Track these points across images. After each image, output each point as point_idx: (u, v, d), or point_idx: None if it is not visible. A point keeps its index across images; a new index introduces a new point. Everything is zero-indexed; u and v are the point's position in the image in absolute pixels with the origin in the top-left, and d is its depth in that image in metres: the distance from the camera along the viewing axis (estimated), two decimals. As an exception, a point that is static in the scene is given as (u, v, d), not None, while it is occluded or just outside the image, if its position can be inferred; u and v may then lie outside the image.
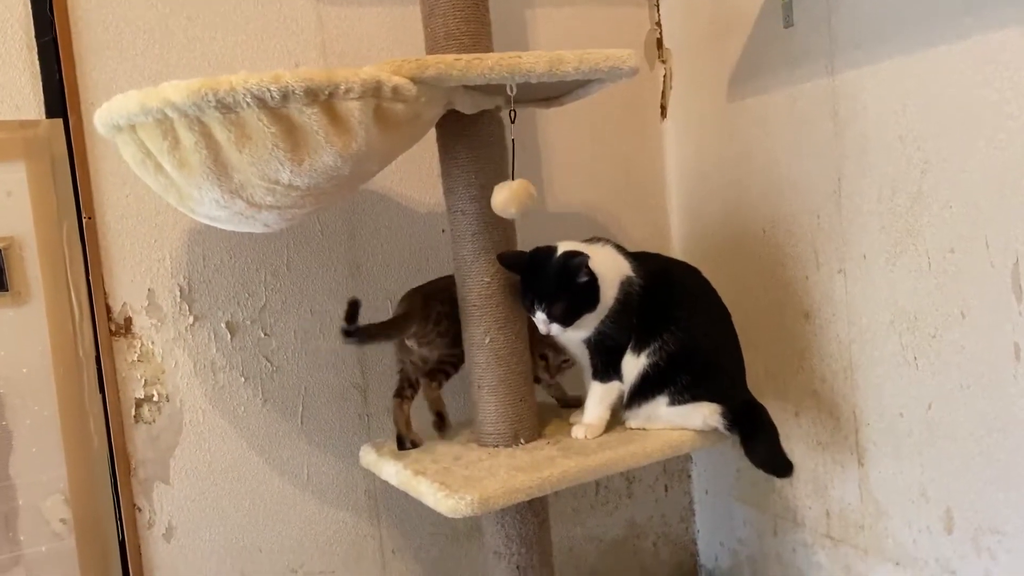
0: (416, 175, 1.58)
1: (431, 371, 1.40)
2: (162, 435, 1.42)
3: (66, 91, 1.33)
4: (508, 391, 1.35)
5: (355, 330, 1.32)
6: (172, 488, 1.43)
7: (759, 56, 1.57)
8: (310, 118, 1.03)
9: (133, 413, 1.39)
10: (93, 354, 1.36)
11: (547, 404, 1.53)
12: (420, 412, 1.61)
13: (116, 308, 1.38)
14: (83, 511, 1.37)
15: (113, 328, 1.38)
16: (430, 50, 1.30)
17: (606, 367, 1.35)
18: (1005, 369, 1.21)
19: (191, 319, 1.43)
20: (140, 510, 1.41)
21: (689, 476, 1.93)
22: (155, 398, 1.41)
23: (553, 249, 1.31)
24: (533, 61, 1.17)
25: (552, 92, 1.39)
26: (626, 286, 1.33)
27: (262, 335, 1.48)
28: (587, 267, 1.26)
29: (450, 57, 1.13)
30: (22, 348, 1.33)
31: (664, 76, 1.83)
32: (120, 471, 1.38)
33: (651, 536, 1.89)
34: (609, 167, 1.78)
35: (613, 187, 1.79)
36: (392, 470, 1.33)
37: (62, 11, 1.32)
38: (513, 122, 1.25)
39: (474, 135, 1.32)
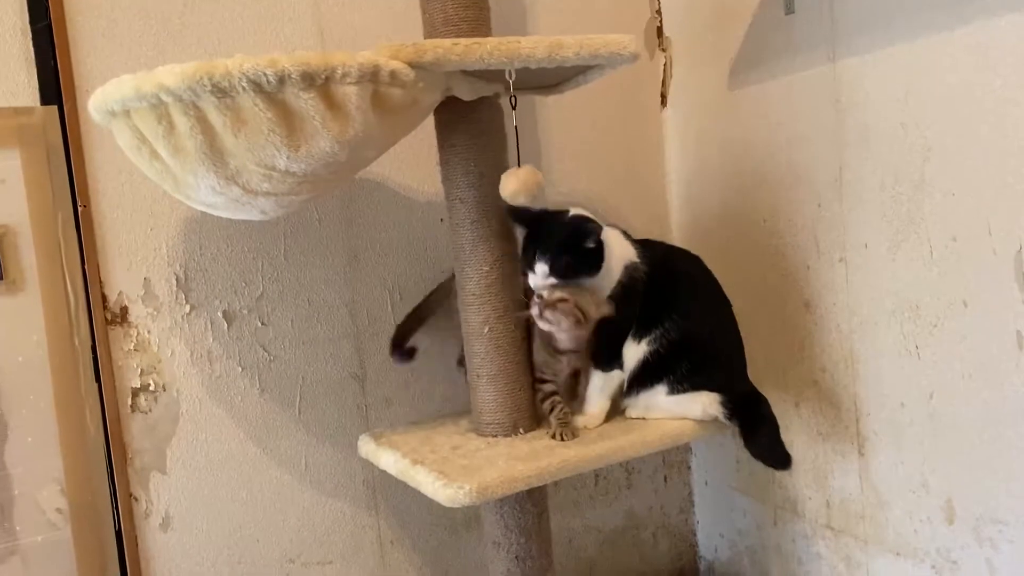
0: (415, 163, 1.57)
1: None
2: (159, 425, 1.41)
3: (61, 78, 1.32)
4: (507, 381, 1.35)
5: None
6: (169, 478, 1.42)
7: (760, 44, 1.56)
8: (306, 103, 1.02)
9: (129, 402, 1.39)
10: (89, 343, 1.35)
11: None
12: (421, 404, 1.60)
13: (112, 297, 1.37)
14: (79, 501, 1.36)
15: (109, 317, 1.37)
16: (428, 36, 1.29)
17: (608, 355, 1.34)
18: (1007, 358, 1.20)
19: (187, 308, 1.42)
20: (137, 500, 1.40)
21: (689, 467, 1.93)
22: (151, 387, 1.40)
23: (565, 211, 1.32)
24: (532, 46, 1.15)
25: (551, 79, 1.38)
26: (631, 271, 1.32)
27: (259, 324, 1.47)
28: (598, 234, 1.27)
29: (448, 42, 1.12)
30: (17, 337, 1.32)
31: (664, 64, 1.82)
32: (116, 461, 1.37)
33: (650, 527, 1.89)
34: (609, 156, 1.77)
35: (613, 176, 1.78)
36: (390, 459, 1.33)
37: (56, -3, 1.31)
38: (514, 108, 1.24)
39: (473, 122, 1.31)
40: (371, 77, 1.05)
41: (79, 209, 1.34)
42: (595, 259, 1.29)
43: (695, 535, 1.94)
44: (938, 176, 1.26)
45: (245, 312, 1.46)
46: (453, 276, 1.43)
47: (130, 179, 1.36)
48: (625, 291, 1.32)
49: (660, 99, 1.83)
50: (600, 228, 1.27)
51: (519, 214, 1.30)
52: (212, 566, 1.45)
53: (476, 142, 1.31)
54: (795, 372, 1.57)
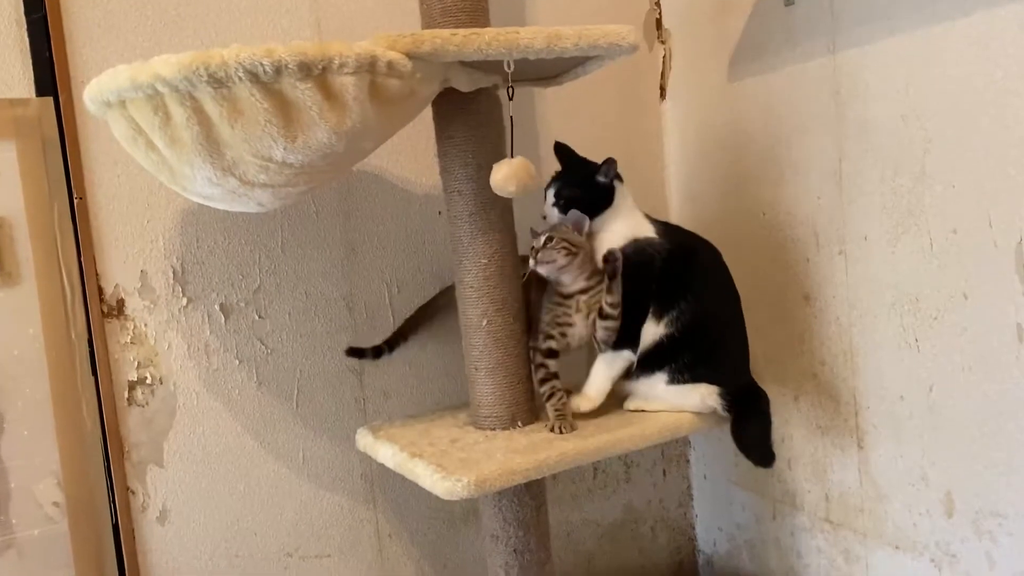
0: (412, 155, 1.56)
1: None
2: (156, 418, 1.40)
3: (56, 69, 1.31)
4: (506, 374, 1.34)
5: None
6: (166, 471, 1.41)
7: (760, 35, 1.55)
8: (303, 93, 1.01)
9: (126, 395, 1.38)
10: (85, 336, 1.35)
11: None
12: (415, 398, 1.60)
13: (108, 290, 1.36)
14: (76, 494, 1.35)
15: (105, 310, 1.36)
16: (426, 26, 1.28)
17: (621, 333, 1.33)
18: (1007, 351, 1.20)
19: (184, 301, 1.41)
20: (134, 493, 1.40)
21: (687, 460, 1.92)
22: (148, 380, 1.39)
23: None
24: (531, 36, 1.15)
25: (550, 70, 1.37)
26: (643, 244, 1.33)
27: (256, 317, 1.46)
28: (612, 173, 1.34)
29: (446, 32, 1.11)
30: (13, 330, 1.31)
31: (663, 56, 1.81)
32: (113, 454, 1.37)
33: (649, 521, 1.88)
34: (608, 148, 1.74)
35: (612, 169, 1.77)
36: (388, 452, 1.32)
37: (52, -13, 1.30)
38: (511, 99, 1.24)
39: (471, 114, 1.30)
40: (368, 67, 1.04)
41: (75, 201, 1.33)
42: (601, 197, 1.34)
43: (694, 529, 1.94)
44: (938, 168, 1.26)
45: (242, 305, 1.45)
46: (445, 289, 1.49)
47: (126, 171, 1.36)
48: (633, 264, 1.31)
49: (659, 91, 1.82)
50: (615, 171, 1.35)
51: (562, 150, 1.41)
52: (210, 559, 1.45)
53: (474, 134, 1.30)
54: (794, 365, 1.57)
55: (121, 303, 1.37)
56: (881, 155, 1.34)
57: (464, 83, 1.23)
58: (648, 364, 1.34)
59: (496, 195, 1.30)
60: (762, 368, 1.61)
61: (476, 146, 1.30)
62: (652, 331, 1.33)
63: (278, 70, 0.98)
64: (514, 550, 1.33)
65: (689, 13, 1.73)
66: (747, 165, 1.61)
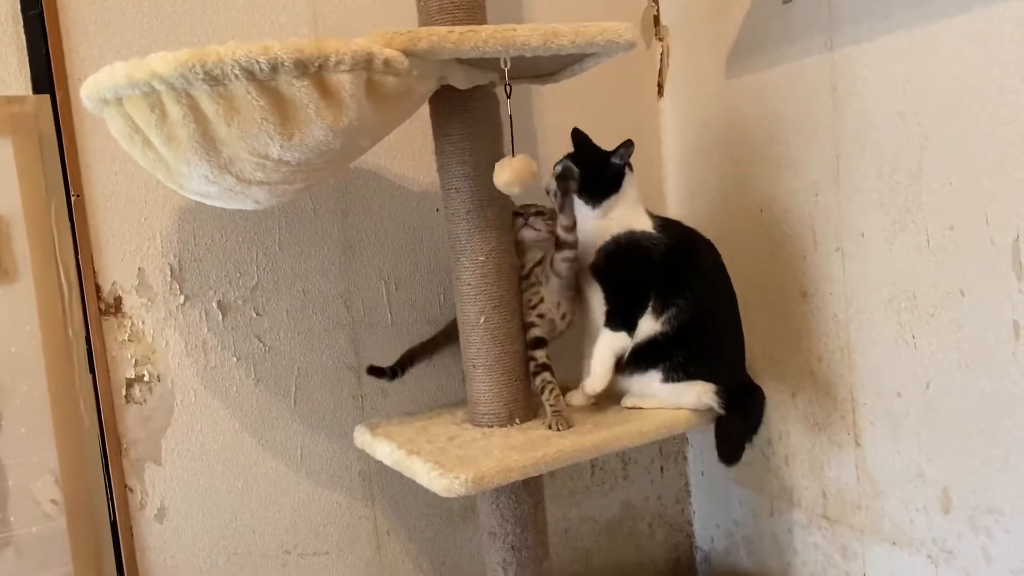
0: (410, 152, 1.56)
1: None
2: (153, 415, 1.40)
3: (53, 66, 1.30)
4: (503, 371, 1.34)
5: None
6: (164, 469, 1.41)
7: (757, 32, 1.55)
8: (300, 91, 1.01)
9: (124, 393, 1.38)
10: (83, 333, 1.35)
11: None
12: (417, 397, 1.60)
13: (106, 287, 1.36)
14: (74, 492, 1.35)
15: (103, 307, 1.36)
16: (423, 24, 1.28)
17: (619, 313, 1.33)
18: (1004, 348, 1.20)
19: (182, 298, 1.41)
20: (132, 491, 1.40)
21: (685, 457, 1.93)
22: (146, 378, 1.39)
23: None
24: (528, 34, 1.15)
25: (547, 68, 1.37)
26: (640, 237, 1.34)
27: (254, 315, 1.46)
28: (626, 158, 1.35)
29: (443, 29, 1.11)
30: (11, 327, 1.31)
31: (661, 54, 1.81)
32: (111, 452, 1.37)
33: (647, 517, 1.89)
34: (606, 145, 1.76)
35: (609, 166, 1.77)
36: (386, 450, 1.32)
37: (48, -16, 1.30)
38: (509, 96, 1.24)
39: (468, 111, 1.30)
40: (365, 65, 1.04)
41: (72, 198, 1.33)
42: (611, 180, 1.34)
43: (691, 525, 1.94)
44: (936, 165, 1.26)
45: (240, 302, 1.45)
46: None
47: (123, 168, 1.36)
48: (620, 248, 1.33)
49: (657, 88, 1.82)
50: (630, 155, 1.35)
51: (579, 137, 1.40)
52: (208, 557, 1.45)
53: (471, 131, 1.30)
54: (792, 362, 1.57)
55: (118, 300, 1.37)
56: (878, 152, 1.34)
57: (461, 80, 1.23)
58: (642, 361, 1.34)
59: (493, 192, 1.29)
60: (759, 365, 1.61)
61: (473, 143, 1.30)
62: (648, 327, 1.33)
63: (274, 67, 0.98)
64: (512, 547, 1.33)
65: (687, 10, 1.73)
66: (745, 162, 1.61)
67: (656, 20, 1.80)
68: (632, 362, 1.34)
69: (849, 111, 1.38)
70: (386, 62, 1.06)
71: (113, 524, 1.38)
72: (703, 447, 1.88)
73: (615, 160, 1.35)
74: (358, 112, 1.06)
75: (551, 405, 1.32)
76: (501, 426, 1.35)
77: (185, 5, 1.39)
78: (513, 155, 1.23)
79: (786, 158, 1.51)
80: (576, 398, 1.38)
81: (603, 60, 1.31)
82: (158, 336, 1.40)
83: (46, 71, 1.30)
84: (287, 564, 1.51)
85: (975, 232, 1.21)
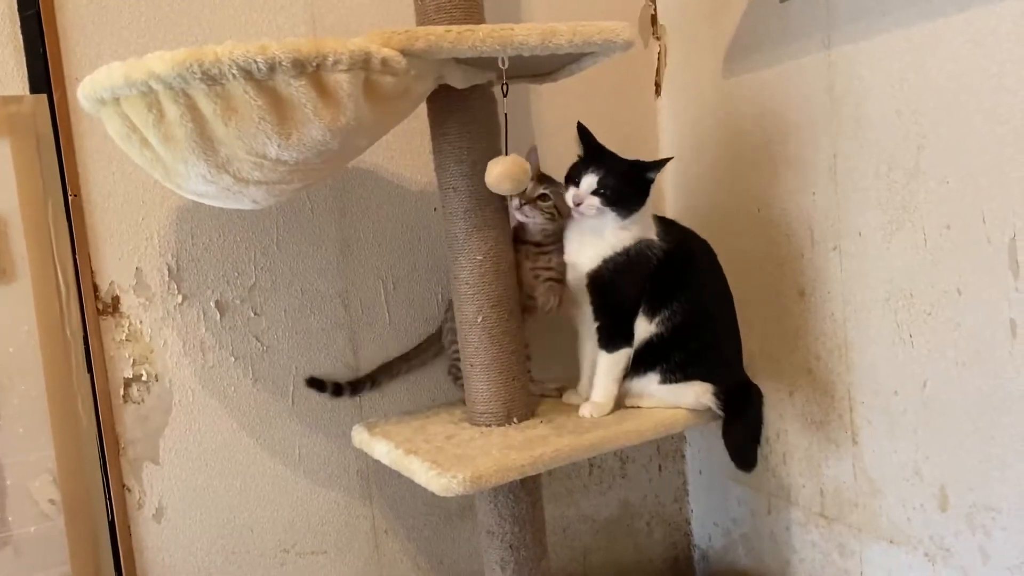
0: (407, 151, 1.56)
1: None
2: (151, 415, 1.40)
3: (50, 66, 1.30)
4: (501, 370, 1.34)
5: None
6: (162, 468, 1.41)
7: (755, 31, 1.55)
8: (297, 91, 1.01)
9: (122, 393, 1.38)
10: (80, 333, 1.35)
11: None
12: (417, 395, 1.60)
13: (103, 287, 1.36)
14: (72, 491, 1.35)
15: (100, 307, 1.36)
16: (421, 23, 1.28)
17: (612, 332, 1.33)
18: (1001, 346, 1.20)
19: (180, 298, 1.41)
20: (129, 490, 1.40)
21: (683, 456, 1.93)
22: (144, 378, 1.39)
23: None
24: (526, 33, 1.15)
25: (545, 67, 1.37)
26: (644, 245, 1.32)
27: (252, 314, 1.46)
28: (656, 174, 1.31)
29: (441, 28, 1.11)
30: (8, 327, 1.31)
31: (659, 53, 1.81)
32: (109, 451, 1.37)
33: (645, 516, 1.89)
34: (604, 144, 1.76)
35: (607, 165, 1.77)
36: (384, 449, 1.32)
37: (45, -17, 1.30)
38: (505, 96, 1.24)
39: (466, 110, 1.30)
40: (363, 64, 1.04)
41: (70, 198, 1.33)
42: (641, 196, 1.31)
43: (689, 524, 1.94)
44: (932, 164, 1.26)
45: (238, 302, 1.45)
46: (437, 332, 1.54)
47: (121, 168, 1.36)
48: (631, 263, 1.31)
49: (655, 87, 1.82)
50: (662, 167, 1.32)
51: (586, 133, 1.35)
52: (206, 556, 1.45)
53: (469, 130, 1.30)
54: (790, 361, 1.57)
55: (116, 300, 1.37)
56: (875, 151, 1.34)
57: (459, 80, 1.23)
58: (640, 363, 1.34)
59: (491, 192, 1.30)
60: (757, 363, 1.61)
61: (471, 143, 1.30)
62: (643, 329, 1.33)
63: (272, 67, 0.98)
64: (510, 546, 1.33)
65: (684, 9, 1.73)
66: (742, 161, 1.62)
67: (654, 19, 1.80)
68: (631, 364, 1.34)
69: (846, 110, 1.38)
70: (384, 62, 1.06)
71: (111, 524, 1.38)
72: (701, 446, 1.88)
73: (650, 175, 1.31)
74: (356, 111, 1.06)
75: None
76: (499, 425, 1.35)
77: (182, 5, 1.39)
78: (506, 154, 1.24)
79: (783, 157, 1.52)
80: (584, 409, 1.37)
81: (601, 59, 1.31)
82: (156, 336, 1.40)
83: (43, 71, 1.30)
84: (285, 563, 1.51)
85: (972, 231, 1.22)
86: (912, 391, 1.35)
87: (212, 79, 0.98)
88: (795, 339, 1.55)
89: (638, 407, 1.38)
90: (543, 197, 1.34)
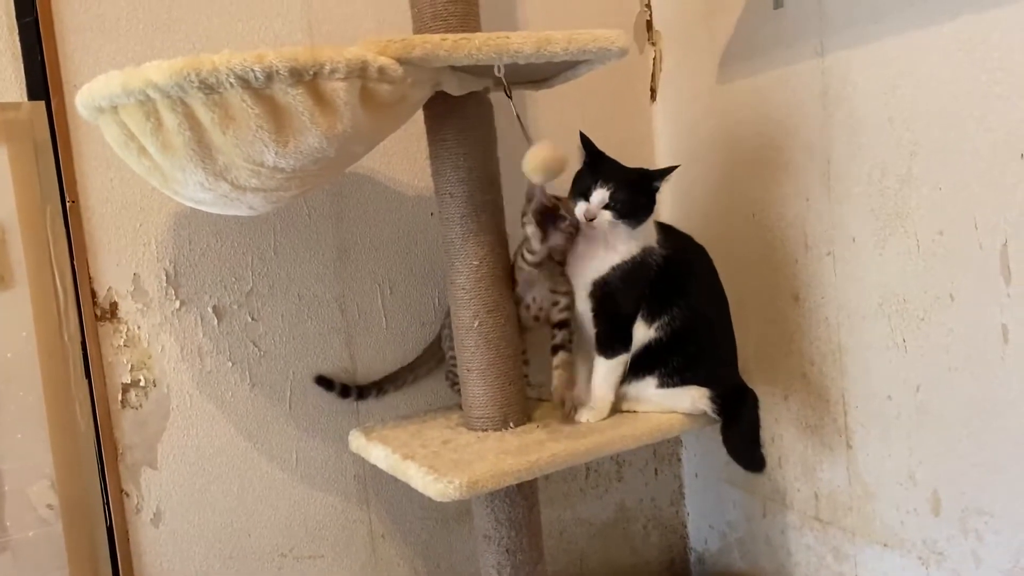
0: (404, 157, 1.57)
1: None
2: (149, 420, 1.41)
3: (48, 73, 1.31)
4: (497, 375, 1.35)
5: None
6: (160, 473, 1.42)
7: (749, 37, 1.56)
8: (294, 99, 1.01)
9: (120, 398, 1.39)
10: (79, 339, 1.35)
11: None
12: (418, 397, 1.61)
13: (101, 293, 1.37)
14: (70, 496, 1.36)
15: (98, 313, 1.37)
16: (417, 31, 1.29)
17: (611, 338, 1.34)
18: (993, 351, 1.21)
19: (177, 304, 1.42)
20: (128, 495, 1.40)
21: (679, 459, 1.94)
22: (142, 383, 1.40)
23: None
24: (521, 41, 1.15)
25: (540, 74, 1.38)
26: (648, 253, 1.32)
27: (249, 320, 1.47)
28: (662, 182, 1.31)
29: (437, 37, 1.12)
30: (6, 333, 1.31)
31: (654, 58, 1.82)
32: (107, 456, 1.37)
33: (641, 519, 1.90)
34: (605, 152, 1.77)
35: (603, 170, 1.77)
36: (381, 454, 1.33)
37: (44, -9, 1.30)
38: (510, 97, 1.25)
39: (462, 117, 1.31)
40: (359, 73, 1.05)
41: (67, 205, 1.33)
42: (649, 204, 1.31)
43: (685, 527, 1.95)
44: (925, 170, 1.27)
45: (235, 307, 1.46)
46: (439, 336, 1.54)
47: (119, 174, 1.36)
48: (636, 270, 1.31)
49: (650, 93, 1.83)
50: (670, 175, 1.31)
51: (588, 141, 1.35)
52: (204, 560, 1.46)
53: (466, 137, 1.31)
54: (784, 365, 1.58)
55: (114, 306, 1.38)
56: (868, 157, 1.35)
57: (455, 87, 1.24)
58: (637, 368, 1.35)
59: (487, 197, 1.31)
60: (752, 368, 1.62)
61: (467, 149, 1.31)
62: (642, 334, 1.34)
63: (269, 76, 0.99)
64: (506, 550, 1.34)
65: (679, 15, 1.74)
66: (737, 166, 1.62)
67: (649, 25, 1.81)
68: (628, 369, 1.35)
69: (840, 116, 1.39)
70: (380, 70, 1.07)
71: (109, 529, 1.39)
72: (697, 449, 1.89)
73: (656, 184, 1.31)
74: (352, 119, 1.07)
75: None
76: (495, 430, 1.35)
77: (180, 12, 1.39)
78: (530, 143, 1.24)
79: (778, 162, 1.52)
80: (581, 415, 1.37)
81: (596, 66, 1.32)
82: (154, 341, 1.40)
83: (41, 78, 1.31)
84: (282, 567, 1.52)
85: (964, 237, 1.23)
86: (905, 396, 1.35)
87: (209, 88, 0.99)
88: (789, 344, 1.56)
89: (634, 411, 1.38)
90: (561, 219, 1.30)
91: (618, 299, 1.32)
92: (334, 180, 1.51)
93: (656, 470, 1.91)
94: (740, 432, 1.38)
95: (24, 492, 1.34)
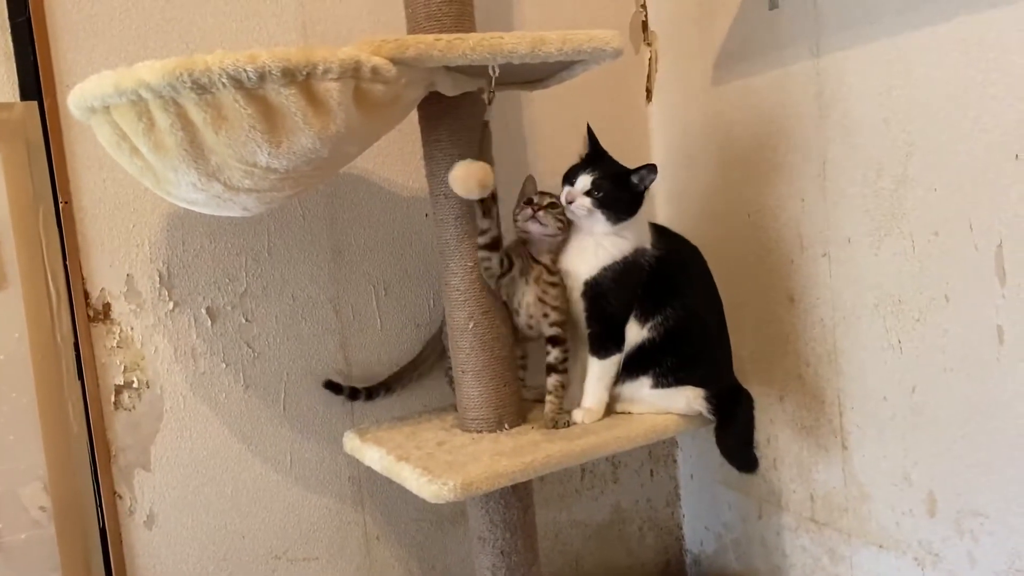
0: (399, 158, 1.57)
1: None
2: (142, 421, 1.40)
3: (41, 73, 1.30)
4: (492, 376, 1.35)
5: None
6: (153, 475, 1.41)
7: (744, 38, 1.56)
8: (287, 99, 1.01)
9: (113, 399, 1.38)
10: (71, 340, 1.35)
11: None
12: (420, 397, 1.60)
13: (94, 294, 1.36)
14: (63, 498, 1.35)
15: (91, 314, 1.36)
16: (412, 31, 1.28)
17: (604, 339, 1.33)
18: (988, 352, 1.21)
19: (171, 305, 1.41)
20: (121, 497, 1.39)
21: (675, 460, 1.93)
22: (135, 384, 1.39)
23: None
24: (515, 42, 1.15)
25: (535, 74, 1.38)
26: (639, 254, 1.32)
27: (243, 321, 1.46)
28: (648, 183, 1.31)
29: (430, 37, 1.11)
30: (-1, 334, 1.31)
31: (649, 59, 1.82)
32: (100, 458, 1.37)
33: (637, 521, 1.89)
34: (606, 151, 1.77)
35: (598, 171, 1.77)
36: (375, 455, 1.33)
37: (36, -10, 1.30)
38: (490, 104, 1.25)
39: (457, 117, 1.30)
40: (353, 73, 1.04)
41: (60, 205, 1.33)
42: (633, 203, 1.31)
43: (681, 528, 1.95)
44: (920, 171, 1.27)
45: (229, 308, 1.45)
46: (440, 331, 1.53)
47: (112, 175, 1.36)
48: (628, 270, 1.31)
49: (645, 93, 1.83)
50: (649, 184, 1.31)
51: (593, 135, 1.37)
52: (197, 562, 1.45)
53: (460, 137, 1.31)
54: (780, 366, 1.58)
55: (107, 307, 1.37)
56: (864, 158, 1.35)
57: (449, 87, 1.23)
58: (632, 368, 1.35)
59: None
60: (748, 369, 1.62)
61: (462, 149, 1.30)
62: (635, 335, 1.34)
63: (262, 76, 0.98)
64: (501, 552, 1.34)
65: (675, 16, 1.74)
66: (732, 167, 1.62)
67: (644, 25, 1.81)
68: (622, 369, 1.35)
69: (835, 117, 1.39)
70: (374, 70, 1.06)
71: (102, 531, 1.38)
72: (693, 451, 1.89)
73: (634, 180, 1.30)
74: (346, 120, 1.07)
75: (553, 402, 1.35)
76: (490, 431, 1.35)
77: (174, 12, 1.39)
78: (480, 157, 1.25)
79: (773, 163, 1.52)
80: (576, 415, 1.37)
81: (591, 67, 1.31)
82: (147, 342, 1.40)
83: (34, 78, 1.30)
84: (276, 570, 1.51)
85: (959, 238, 1.23)
86: (901, 397, 1.35)
87: (202, 88, 0.98)
88: (785, 345, 1.56)
89: (629, 412, 1.38)
90: (553, 205, 1.31)
91: (610, 299, 1.32)
92: (328, 181, 1.51)
93: (652, 471, 1.90)
94: (734, 433, 1.38)
95: (16, 494, 1.33)
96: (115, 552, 1.39)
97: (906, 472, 1.36)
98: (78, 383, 1.35)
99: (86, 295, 1.36)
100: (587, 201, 1.28)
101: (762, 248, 1.57)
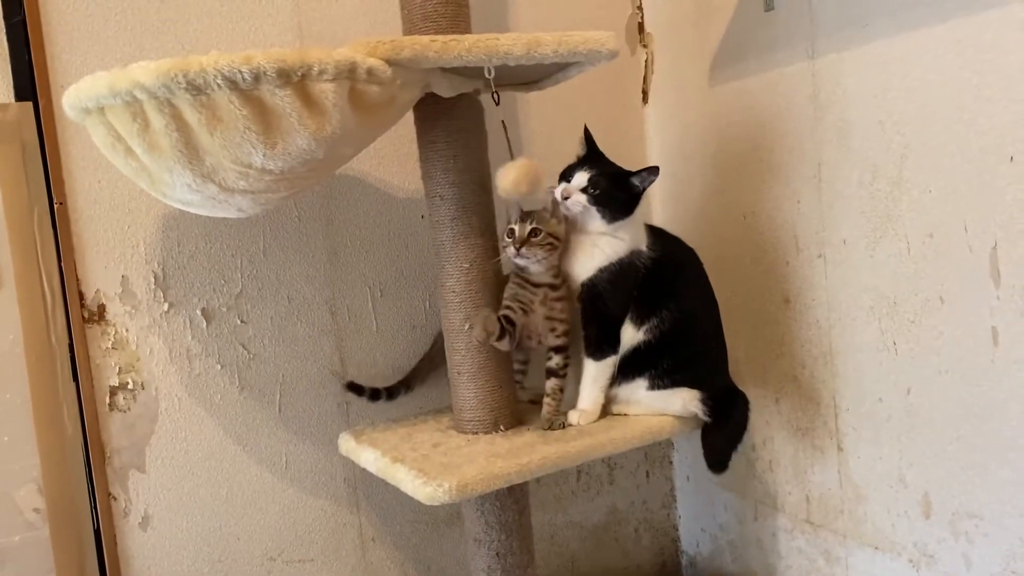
0: (394, 159, 1.57)
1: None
2: (137, 423, 1.40)
3: (36, 74, 1.30)
4: (488, 378, 1.35)
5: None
6: (148, 477, 1.41)
7: (740, 40, 1.56)
8: (283, 100, 1.01)
9: (107, 401, 1.38)
10: (66, 341, 1.34)
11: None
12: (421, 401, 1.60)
13: (89, 295, 1.36)
14: (57, 500, 1.35)
15: (86, 315, 1.36)
16: (407, 32, 1.28)
17: (600, 340, 1.33)
18: (983, 354, 1.21)
19: (166, 306, 1.41)
20: (115, 499, 1.39)
21: (671, 462, 1.93)
22: (130, 386, 1.39)
23: None
24: (511, 43, 1.15)
25: (531, 76, 1.38)
26: (634, 256, 1.32)
27: (238, 322, 1.46)
28: (646, 185, 1.30)
29: (426, 38, 1.11)
30: (-7, 335, 1.31)
31: (646, 60, 1.82)
32: (95, 460, 1.36)
33: (632, 522, 1.89)
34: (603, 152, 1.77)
35: (594, 172, 1.77)
36: (371, 457, 1.32)
37: (31, -9, 1.29)
38: (497, 104, 1.25)
39: (452, 119, 1.30)
40: (348, 74, 1.04)
41: (55, 206, 1.32)
42: (629, 204, 1.30)
43: (677, 530, 1.95)
44: (915, 173, 1.27)
45: (224, 310, 1.45)
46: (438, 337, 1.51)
47: (107, 176, 1.35)
48: (623, 272, 1.31)
49: (642, 95, 1.83)
50: (654, 179, 1.31)
51: (590, 136, 1.37)
52: (192, 564, 1.45)
53: (456, 139, 1.31)
54: (775, 368, 1.58)
55: (102, 308, 1.37)
56: (859, 160, 1.35)
57: (445, 89, 1.23)
58: (628, 370, 1.35)
59: (478, 199, 1.30)
60: (743, 370, 1.62)
61: (458, 151, 1.31)
62: (631, 337, 1.33)
63: (257, 77, 0.98)
64: (497, 553, 1.34)
65: (671, 18, 1.74)
66: (728, 168, 1.62)
67: (641, 27, 1.81)
68: (618, 371, 1.35)
69: (831, 119, 1.39)
70: (369, 71, 1.06)
71: (97, 532, 1.38)
72: (688, 452, 1.89)
73: (635, 182, 1.30)
74: (341, 121, 1.06)
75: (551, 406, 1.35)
76: (486, 433, 1.35)
77: (169, 13, 1.38)
78: (512, 158, 1.23)
79: (769, 165, 1.52)
80: (571, 416, 1.37)
81: (587, 68, 1.32)
82: (142, 344, 1.40)
83: (29, 79, 1.30)
84: (272, 572, 1.51)
85: (954, 239, 1.23)
86: (896, 398, 1.35)
87: (197, 89, 0.98)
88: (780, 346, 1.56)
89: (625, 414, 1.38)
90: (534, 232, 1.26)
91: (606, 301, 1.31)
92: (324, 182, 1.51)
93: (647, 473, 1.90)
94: (725, 434, 1.38)
95: (11, 496, 1.33)
96: (110, 554, 1.38)
97: (901, 474, 1.37)
98: (73, 384, 1.35)
99: (81, 296, 1.35)
100: (583, 198, 1.28)
101: (758, 249, 1.58)
